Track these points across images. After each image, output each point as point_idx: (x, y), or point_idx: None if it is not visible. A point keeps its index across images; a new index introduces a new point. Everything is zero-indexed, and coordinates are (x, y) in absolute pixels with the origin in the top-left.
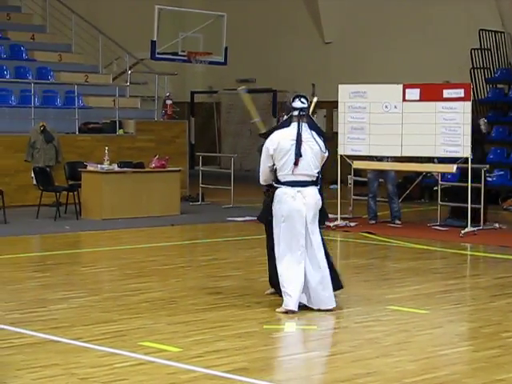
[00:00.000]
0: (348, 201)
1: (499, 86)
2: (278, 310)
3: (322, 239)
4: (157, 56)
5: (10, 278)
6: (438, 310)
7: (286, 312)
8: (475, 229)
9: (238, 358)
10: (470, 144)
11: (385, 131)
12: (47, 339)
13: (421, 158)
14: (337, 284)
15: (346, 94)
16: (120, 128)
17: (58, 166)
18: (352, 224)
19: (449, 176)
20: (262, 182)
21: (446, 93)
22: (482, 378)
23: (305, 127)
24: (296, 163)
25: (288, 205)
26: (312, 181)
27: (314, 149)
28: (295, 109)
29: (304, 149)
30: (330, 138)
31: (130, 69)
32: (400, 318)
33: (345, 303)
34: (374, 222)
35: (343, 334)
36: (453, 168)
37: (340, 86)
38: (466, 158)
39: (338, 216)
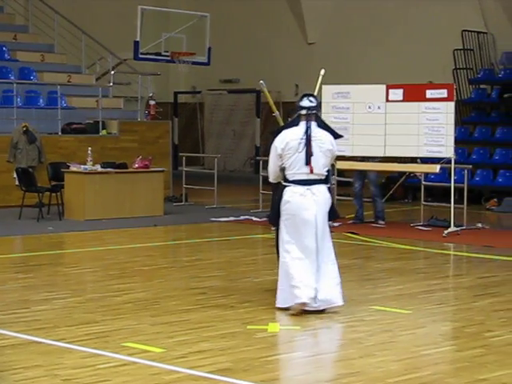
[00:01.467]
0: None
1: (482, 86)
2: (291, 311)
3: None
4: (140, 56)
5: None
6: (421, 310)
7: (299, 311)
8: (458, 229)
9: (221, 358)
10: (453, 144)
11: (368, 131)
12: (30, 340)
13: (404, 158)
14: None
15: (329, 94)
16: (103, 128)
17: (41, 166)
18: (335, 224)
19: (432, 176)
20: (271, 180)
21: (429, 93)
22: (465, 378)
23: (313, 126)
24: (308, 163)
25: (297, 203)
26: (321, 179)
27: (322, 147)
28: (303, 108)
29: (313, 148)
30: (339, 136)
31: (113, 69)
32: (383, 318)
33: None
34: (354, 221)
35: (327, 334)
36: (436, 168)
37: (323, 86)
38: (449, 158)
39: None
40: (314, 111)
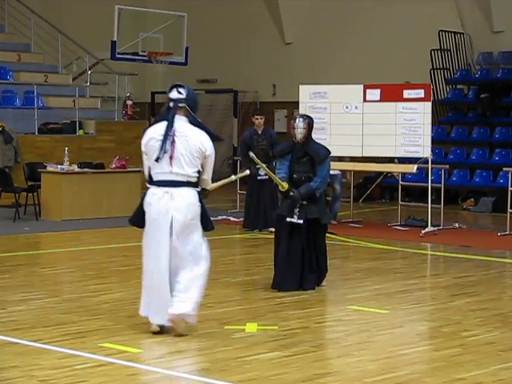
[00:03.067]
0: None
1: (459, 86)
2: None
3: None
4: (117, 56)
5: None
6: (399, 310)
7: (157, 330)
8: (435, 229)
9: (199, 358)
10: (430, 144)
11: (346, 131)
12: (6, 341)
13: (381, 158)
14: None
15: (306, 94)
16: (80, 128)
17: (17, 166)
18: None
19: (409, 176)
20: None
21: (406, 93)
22: (442, 377)
23: (181, 121)
24: (157, 160)
25: (155, 206)
26: (187, 182)
27: (188, 145)
28: (171, 100)
29: (176, 145)
30: (217, 138)
31: (89, 69)
32: (361, 318)
33: (306, 303)
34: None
35: (304, 335)
36: (413, 168)
37: (301, 86)
38: (427, 158)
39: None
40: (181, 104)
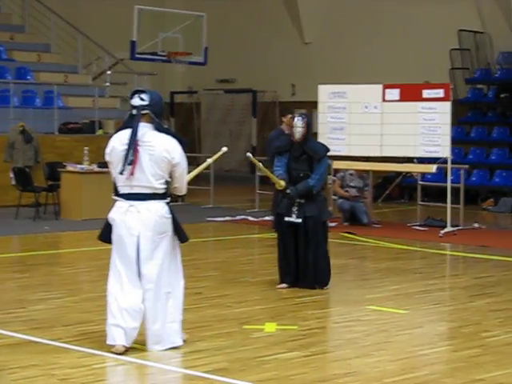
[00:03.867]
0: (328, 201)
1: (478, 86)
2: (113, 350)
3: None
4: (136, 56)
5: None
6: (418, 310)
7: (121, 350)
8: (455, 229)
9: (217, 358)
10: (449, 144)
11: (364, 131)
12: (26, 340)
13: (400, 158)
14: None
15: (325, 94)
16: (99, 128)
17: (38, 166)
18: (331, 224)
19: (428, 176)
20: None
21: (426, 93)
22: (462, 378)
23: (145, 128)
24: (121, 172)
25: (120, 221)
26: (153, 193)
27: (153, 155)
28: (133, 107)
29: (140, 155)
30: (186, 143)
31: (109, 69)
32: (380, 318)
33: (325, 303)
34: (347, 223)
35: (323, 335)
36: (432, 168)
37: (320, 86)
38: (446, 158)
39: None
40: (145, 111)
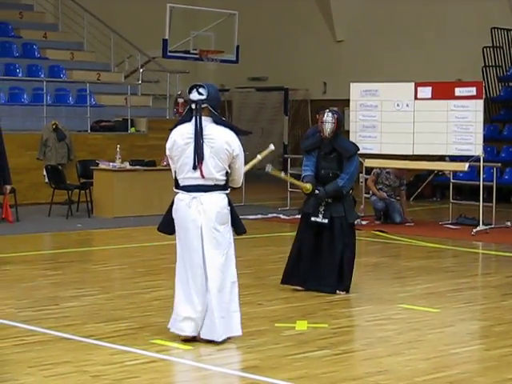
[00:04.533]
0: (360, 199)
1: (511, 84)
2: (181, 337)
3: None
4: (168, 54)
5: (22, 275)
6: (450, 309)
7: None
8: (487, 227)
9: (249, 356)
10: (482, 142)
11: (396, 129)
12: (59, 337)
13: (432, 156)
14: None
15: (357, 92)
16: (132, 126)
17: (70, 164)
18: (364, 222)
19: (460, 174)
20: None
21: (458, 91)
22: (494, 377)
23: (205, 122)
24: (195, 167)
25: (183, 213)
26: (215, 185)
27: (214, 147)
28: (192, 101)
29: (202, 148)
30: (245, 132)
31: (141, 67)
32: (411, 317)
33: (356, 301)
34: (380, 221)
35: (354, 333)
36: (465, 166)
37: (351, 84)
38: (478, 157)
39: None
40: (204, 105)
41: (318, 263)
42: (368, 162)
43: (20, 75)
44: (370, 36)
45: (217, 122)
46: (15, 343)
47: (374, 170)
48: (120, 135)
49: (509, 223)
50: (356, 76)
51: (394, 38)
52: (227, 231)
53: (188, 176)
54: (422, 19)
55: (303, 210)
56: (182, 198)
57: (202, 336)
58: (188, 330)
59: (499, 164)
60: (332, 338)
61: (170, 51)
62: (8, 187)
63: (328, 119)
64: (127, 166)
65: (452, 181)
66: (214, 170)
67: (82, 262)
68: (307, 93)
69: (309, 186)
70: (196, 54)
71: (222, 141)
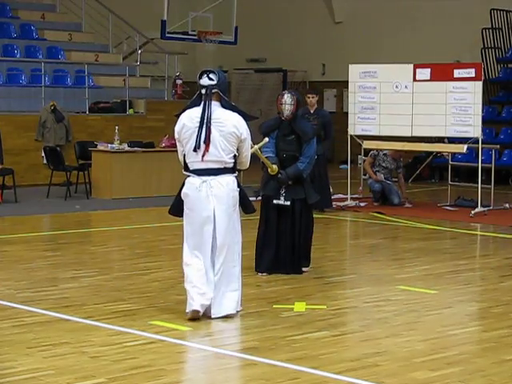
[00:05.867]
0: (358, 181)
1: (510, 65)
2: (187, 316)
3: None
4: (167, 35)
5: (20, 256)
6: (448, 290)
7: (194, 317)
8: (485, 209)
9: (247, 337)
10: (480, 124)
11: (395, 111)
12: (58, 318)
13: (431, 138)
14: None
15: (356, 73)
16: (130, 108)
17: (69, 145)
18: (362, 204)
19: (459, 156)
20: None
21: (457, 72)
22: (492, 358)
23: (214, 107)
24: (195, 150)
25: (193, 197)
26: (224, 168)
27: (223, 131)
28: (202, 86)
29: (211, 132)
30: (251, 117)
31: (140, 48)
32: (409, 298)
33: (354, 283)
34: (378, 203)
35: (353, 314)
36: (463, 148)
37: (350, 65)
38: (477, 138)
39: (348, 196)
40: (214, 90)
41: (282, 246)
42: (366, 144)
43: (18, 56)
44: (369, 17)
45: (225, 106)
46: (14, 324)
47: (371, 152)
48: (118, 116)
49: (507, 205)
50: (355, 57)
51: (393, 20)
52: (236, 213)
53: (197, 160)
54: (421, 0)
55: (265, 193)
56: (192, 181)
57: (212, 315)
58: (196, 305)
59: (498, 146)
60: (330, 319)
61: (168, 32)
62: None
63: (287, 100)
64: (125, 147)
65: (450, 163)
66: (223, 153)
67: (80, 243)
68: (306, 74)
69: (275, 167)
70: (194, 35)
71: (230, 124)
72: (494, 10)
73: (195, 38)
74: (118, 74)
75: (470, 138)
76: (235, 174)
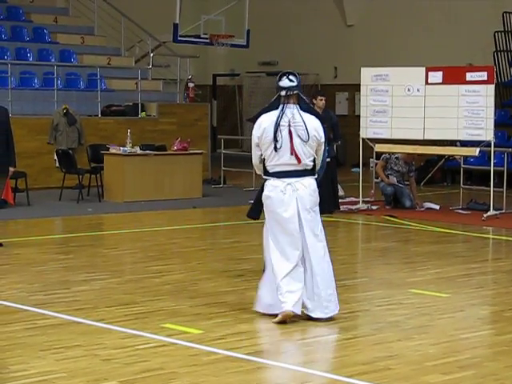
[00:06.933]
0: (370, 184)
1: None
2: (275, 320)
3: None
4: (179, 39)
5: (33, 259)
6: (460, 294)
7: (284, 320)
8: (497, 212)
9: (259, 340)
10: (493, 127)
11: (407, 114)
12: (70, 320)
13: (443, 141)
14: None
15: (368, 76)
16: (142, 111)
17: (81, 148)
18: (374, 207)
19: (471, 159)
20: (258, 172)
21: (469, 76)
22: (504, 362)
23: (294, 109)
24: (276, 150)
25: (277, 199)
26: (305, 170)
27: (305, 134)
28: (282, 88)
29: (293, 135)
30: (325, 120)
31: (152, 51)
32: (421, 302)
33: (366, 286)
34: (390, 206)
35: (365, 317)
36: (475, 151)
37: (362, 68)
38: (489, 142)
39: (360, 199)
40: (295, 92)
41: None
42: (378, 147)
43: (31, 59)
44: (381, 20)
45: (303, 108)
46: (27, 327)
47: (383, 156)
48: (130, 120)
49: None
50: (367, 60)
51: (405, 23)
52: (318, 213)
53: (279, 162)
54: (433, 3)
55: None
56: (275, 184)
57: (311, 314)
58: (290, 303)
59: (510, 149)
60: (342, 322)
61: (180, 36)
62: (11, 169)
63: None
64: (138, 150)
65: (463, 166)
66: (304, 156)
67: (92, 246)
68: (318, 77)
69: None
70: (206, 38)
71: (311, 127)
72: (506, 12)
73: (207, 41)
74: (130, 77)
75: (483, 142)
76: (315, 176)
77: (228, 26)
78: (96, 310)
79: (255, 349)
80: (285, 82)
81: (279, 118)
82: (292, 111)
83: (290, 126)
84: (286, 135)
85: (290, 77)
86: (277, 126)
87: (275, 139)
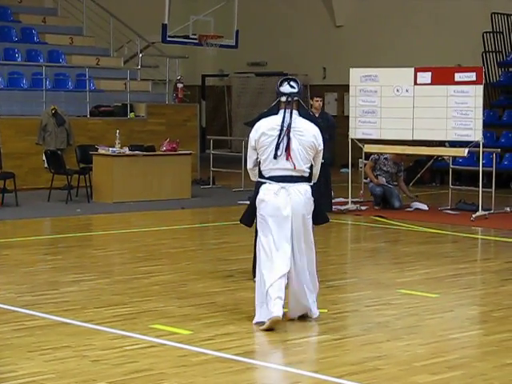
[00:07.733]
0: (359, 185)
1: (511, 69)
2: (263, 327)
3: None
4: (168, 39)
5: (21, 260)
6: (449, 294)
7: (272, 326)
8: (486, 213)
9: (248, 341)
10: (481, 128)
11: (396, 115)
12: (58, 321)
13: (432, 141)
14: None
15: (357, 77)
16: (131, 111)
17: (70, 149)
18: (363, 208)
19: (460, 160)
20: (252, 178)
21: (458, 76)
22: (493, 362)
23: (294, 115)
24: (275, 157)
25: (271, 202)
26: (301, 176)
27: (302, 140)
28: (283, 94)
29: (291, 141)
30: (322, 127)
31: (141, 52)
32: (410, 302)
33: (355, 286)
34: (379, 207)
35: (353, 318)
36: (464, 152)
37: (351, 69)
38: (478, 142)
39: (349, 200)
40: (295, 98)
41: None
42: (367, 148)
43: (19, 60)
44: (370, 21)
45: (302, 115)
46: (15, 328)
47: (372, 156)
48: (119, 120)
49: (508, 209)
50: (356, 61)
51: (394, 23)
52: (310, 220)
53: (276, 167)
54: (422, 4)
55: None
56: (269, 187)
57: (293, 315)
58: (277, 312)
59: (499, 149)
60: (331, 323)
61: (169, 36)
62: None
63: None
64: (126, 151)
65: (451, 166)
66: (302, 162)
67: (81, 246)
68: (307, 78)
69: None
70: (195, 39)
71: (309, 134)
72: (494, 13)
73: (196, 41)
74: (119, 77)
75: (471, 142)
76: (311, 184)
77: (217, 26)
78: (85, 311)
79: (244, 349)
80: (286, 88)
81: (283, 122)
82: (292, 117)
83: (289, 132)
84: (285, 141)
85: (292, 83)
86: (281, 134)
87: (277, 147)
